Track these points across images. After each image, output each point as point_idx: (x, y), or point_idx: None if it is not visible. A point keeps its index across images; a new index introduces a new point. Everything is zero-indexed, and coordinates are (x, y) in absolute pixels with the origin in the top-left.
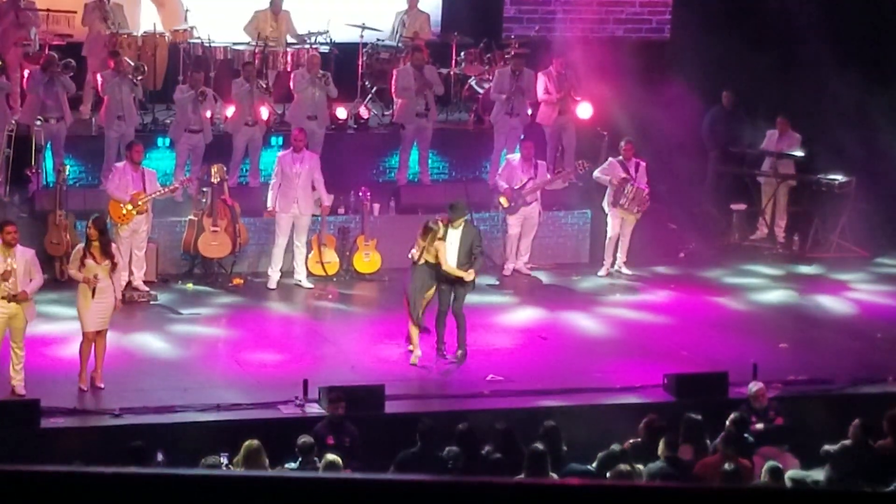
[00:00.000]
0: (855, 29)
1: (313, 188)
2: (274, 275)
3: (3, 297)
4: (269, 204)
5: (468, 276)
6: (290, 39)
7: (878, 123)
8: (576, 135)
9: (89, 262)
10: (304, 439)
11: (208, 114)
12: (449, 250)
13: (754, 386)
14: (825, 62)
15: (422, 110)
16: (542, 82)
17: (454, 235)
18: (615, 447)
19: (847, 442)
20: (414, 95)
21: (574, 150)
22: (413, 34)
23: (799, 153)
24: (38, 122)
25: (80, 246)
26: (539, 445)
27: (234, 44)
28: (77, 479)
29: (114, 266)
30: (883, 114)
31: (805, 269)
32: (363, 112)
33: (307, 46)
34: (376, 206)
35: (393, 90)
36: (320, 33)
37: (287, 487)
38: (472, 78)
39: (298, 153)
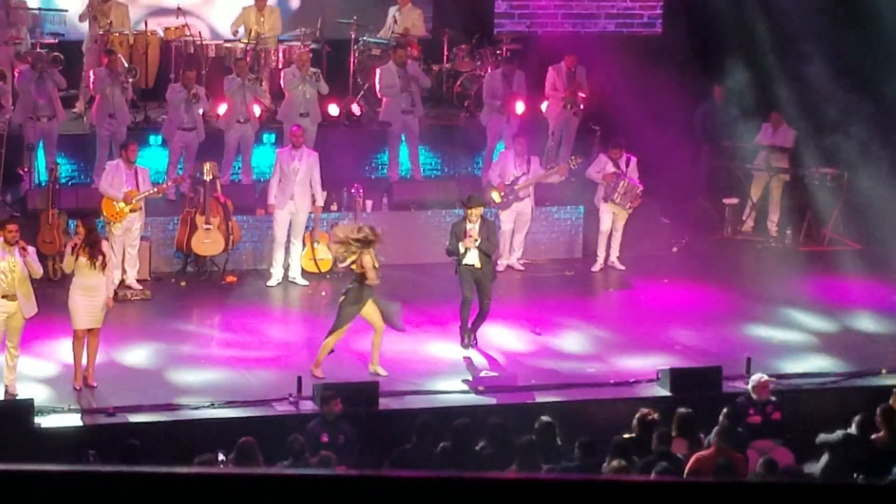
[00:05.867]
0: (847, 23)
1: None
2: (276, 272)
3: (2, 296)
4: (271, 199)
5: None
6: (281, 36)
7: (870, 117)
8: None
9: (82, 259)
10: (296, 437)
11: (200, 111)
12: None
13: (758, 377)
14: (818, 56)
15: (407, 107)
16: (550, 77)
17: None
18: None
19: (848, 432)
20: (399, 93)
21: (572, 146)
22: (404, 30)
23: (791, 147)
24: (30, 121)
25: (75, 241)
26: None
27: (226, 41)
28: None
29: (104, 264)
30: (874, 107)
31: (798, 263)
32: (355, 109)
33: (297, 43)
34: (369, 203)
35: (378, 88)
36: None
37: (281, 484)
38: (464, 74)
39: (297, 150)
